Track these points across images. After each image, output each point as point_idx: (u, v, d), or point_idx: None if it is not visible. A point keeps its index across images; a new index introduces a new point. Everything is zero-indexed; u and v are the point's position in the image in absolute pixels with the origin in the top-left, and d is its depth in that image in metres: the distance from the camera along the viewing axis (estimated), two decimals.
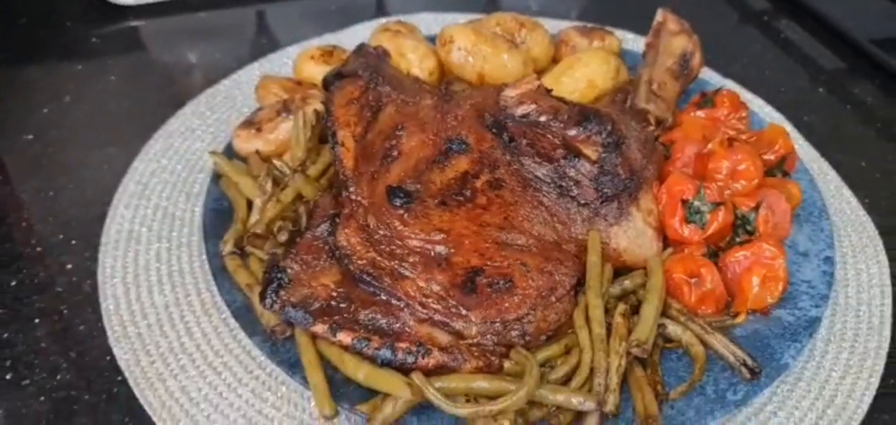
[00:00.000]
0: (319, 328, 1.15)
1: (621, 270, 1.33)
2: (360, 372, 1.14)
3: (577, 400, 1.11)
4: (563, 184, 1.32)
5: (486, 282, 1.19)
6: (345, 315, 1.17)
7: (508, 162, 1.33)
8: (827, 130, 1.75)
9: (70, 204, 1.52)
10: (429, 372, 1.13)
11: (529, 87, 1.43)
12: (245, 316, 1.24)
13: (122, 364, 1.23)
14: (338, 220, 1.27)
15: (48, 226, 1.48)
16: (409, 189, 1.29)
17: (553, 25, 1.85)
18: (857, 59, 1.99)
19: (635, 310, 1.24)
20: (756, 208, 1.35)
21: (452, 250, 1.23)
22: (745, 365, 1.18)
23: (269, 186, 1.37)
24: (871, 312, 1.34)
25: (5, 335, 1.28)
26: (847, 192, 1.57)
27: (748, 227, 1.36)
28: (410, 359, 1.13)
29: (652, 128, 1.47)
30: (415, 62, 1.58)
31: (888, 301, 1.36)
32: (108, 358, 1.25)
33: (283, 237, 1.30)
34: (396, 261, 1.21)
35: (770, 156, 1.48)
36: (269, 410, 1.19)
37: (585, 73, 1.54)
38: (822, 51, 2.04)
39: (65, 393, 1.21)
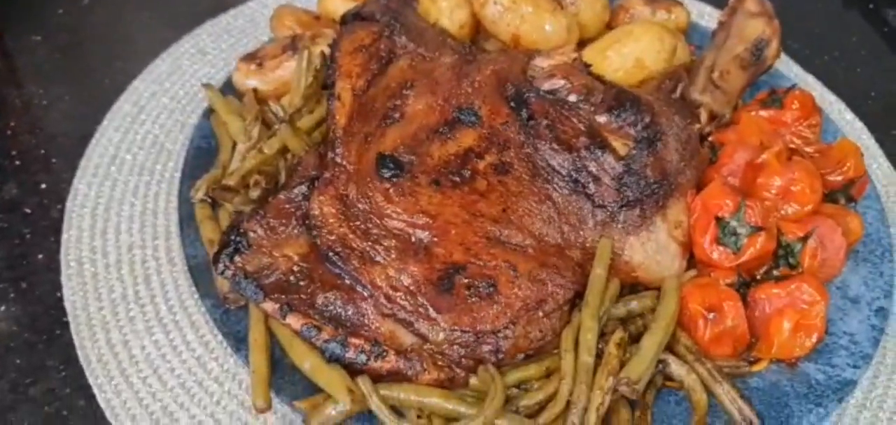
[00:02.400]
0: (269, 306, 1.03)
1: (632, 288, 1.15)
2: (306, 362, 1.01)
3: None
4: (581, 178, 1.14)
5: (465, 282, 1.04)
6: (301, 295, 1.04)
7: (521, 143, 1.16)
8: None
9: (61, 117, 1.43)
10: (381, 377, 0.99)
11: (563, 58, 1.25)
12: (203, 274, 1.12)
13: (67, 305, 1.14)
14: (317, 184, 1.13)
15: (33, 138, 1.39)
16: (401, 159, 1.13)
17: None
18: None
19: (636, 338, 1.06)
20: (804, 239, 1.15)
21: (435, 239, 1.07)
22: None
23: (255, 132, 1.24)
24: None
25: None
26: None
27: (791, 260, 1.15)
28: (362, 359, 0.99)
29: (699, 125, 1.27)
30: (445, 12, 1.40)
31: None
32: (58, 294, 1.16)
33: (255, 193, 1.17)
34: (370, 243, 1.07)
35: (836, 178, 1.26)
36: (209, 383, 1.08)
37: (635, 49, 1.34)
38: None
39: (5, 327, 1.12)
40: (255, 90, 1.34)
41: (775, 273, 1.15)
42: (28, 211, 1.27)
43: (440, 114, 1.19)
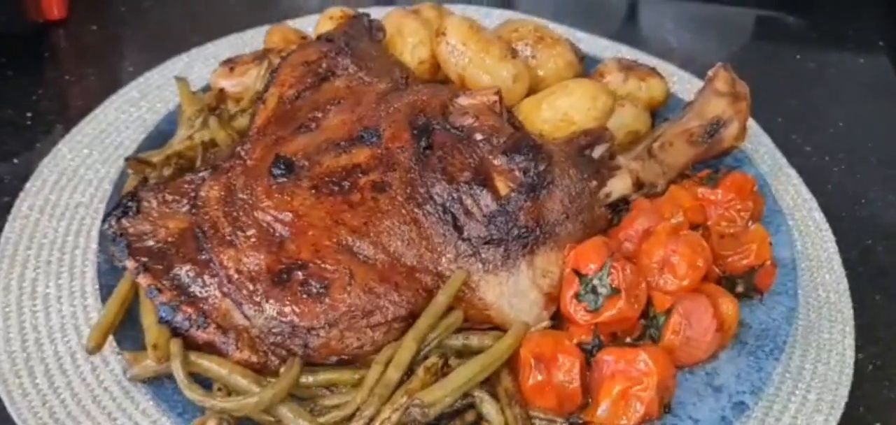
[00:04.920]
0: (130, 264, 1.13)
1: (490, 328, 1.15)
2: (147, 319, 1.10)
3: None
4: (453, 209, 1.16)
5: (301, 278, 1.09)
6: (163, 261, 1.13)
7: (409, 168, 1.20)
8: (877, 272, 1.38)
9: (80, 91, 1.65)
10: (199, 347, 1.07)
11: (484, 99, 1.29)
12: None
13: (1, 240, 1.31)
14: (215, 171, 1.23)
15: (52, 105, 1.60)
16: (295, 163, 1.21)
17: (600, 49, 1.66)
18: None
19: None
20: (668, 312, 1.10)
21: (292, 236, 1.13)
22: None
23: (198, 122, 1.36)
24: None
25: None
26: (849, 348, 1.22)
27: (654, 332, 1.11)
28: (185, 325, 1.07)
29: (597, 184, 1.25)
30: (408, 46, 1.47)
31: None
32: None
33: (166, 171, 1.29)
34: (234, 228, 1.15)
35: (740, 261, 1.20)
36: (83, 314, 1.21)
37: (565, 104, 1.34)
38: None
39: None
40: (221, 90, 1.46)
41: (639, 343, 1.12)
42: (15, 162, 1.47)
43: (348, 130, 1.26)
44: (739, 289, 1.19)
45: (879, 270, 1.36)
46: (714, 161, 1.40)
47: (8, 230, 1.32)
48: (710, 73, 1.44)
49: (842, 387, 1.16)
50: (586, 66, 1.56)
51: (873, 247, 1.40)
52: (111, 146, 1.49)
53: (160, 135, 1.42)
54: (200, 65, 1.69)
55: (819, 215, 1.43)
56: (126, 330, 1.12)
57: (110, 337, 1.10)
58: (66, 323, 1.21)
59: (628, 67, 1.51)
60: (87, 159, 1.46)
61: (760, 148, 1.54)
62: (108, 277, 1.18)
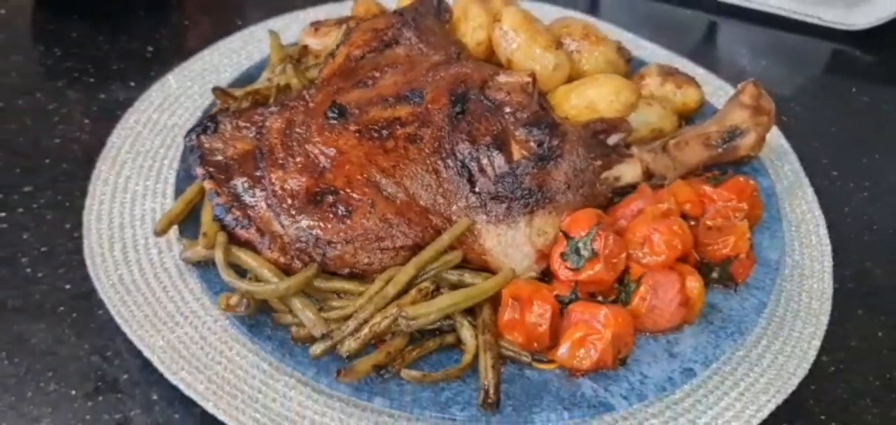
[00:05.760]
0: (199, 171, 1.37)
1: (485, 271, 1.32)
2: (205, 216, 1.34)
3: (311, 319, 1.19)
4: (470, 165, 1.34)
5: (331, 201, 1.30)
6: (226, 173, 1.37)
7: (441, 126, 1.39)
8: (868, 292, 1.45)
9: (196, 36, 1.92)
10: (241, 243, 1.29)
11: (519, 79, 1.46)
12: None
13: (113, 138, 1.59)
14: (282, 108, 1.46)
15: (171, 44, 1.88)
16: (347, 110, 1.42)
17: (660, 58, 1.79)
18: None
19: None
20: (637, 281, 1.25)
21: (331, 166, 1.35)
22: (486, 392, 1.15)
23: (279, 69, 1.60)
24: None
25: None
26: (814, 348, 1.32)
27: (624, 297, 1.26)
28: (233, 224, 1.30)
29: (601, 164, 1.39)
30: (470, 29, 1.66)
31: None
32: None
33: (245, 104, 1.53)
34: (286, 154, 1.37)
35: (721, 251, 1.33)
36: (160, 209, 1.47)
37: (592, 94, 1.49)
38: None
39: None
40: (305, 46, 1.70)
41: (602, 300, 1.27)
42: (132, 85, 1.75)
43: (397, 89, 1.46)
44: (714, 274, 1.31)
45: (871, 290, 1.44)
46: (729, 167, 1.52)
47: (115, 136, 1.59)
48: (739, 86, 1.56)
49: (794, 378, 1.26)
50: (635, 69, 1.70)
51: (871, 270, 1.48)
52: (209, 82, 1.73)
53: (248, 77, 1.67)
54: (297, 25, 1.92)
55: (823, 231, 1.51)
56: (189, 224, 1.36)
57: (175, 228, 1.35)
58: (146, 214, 1.46)
59: (668, 73, 1.64)
60: (188, 90, 1.72)
61: (786, 165, 1.64)
62: (183, 183, 1.43)
